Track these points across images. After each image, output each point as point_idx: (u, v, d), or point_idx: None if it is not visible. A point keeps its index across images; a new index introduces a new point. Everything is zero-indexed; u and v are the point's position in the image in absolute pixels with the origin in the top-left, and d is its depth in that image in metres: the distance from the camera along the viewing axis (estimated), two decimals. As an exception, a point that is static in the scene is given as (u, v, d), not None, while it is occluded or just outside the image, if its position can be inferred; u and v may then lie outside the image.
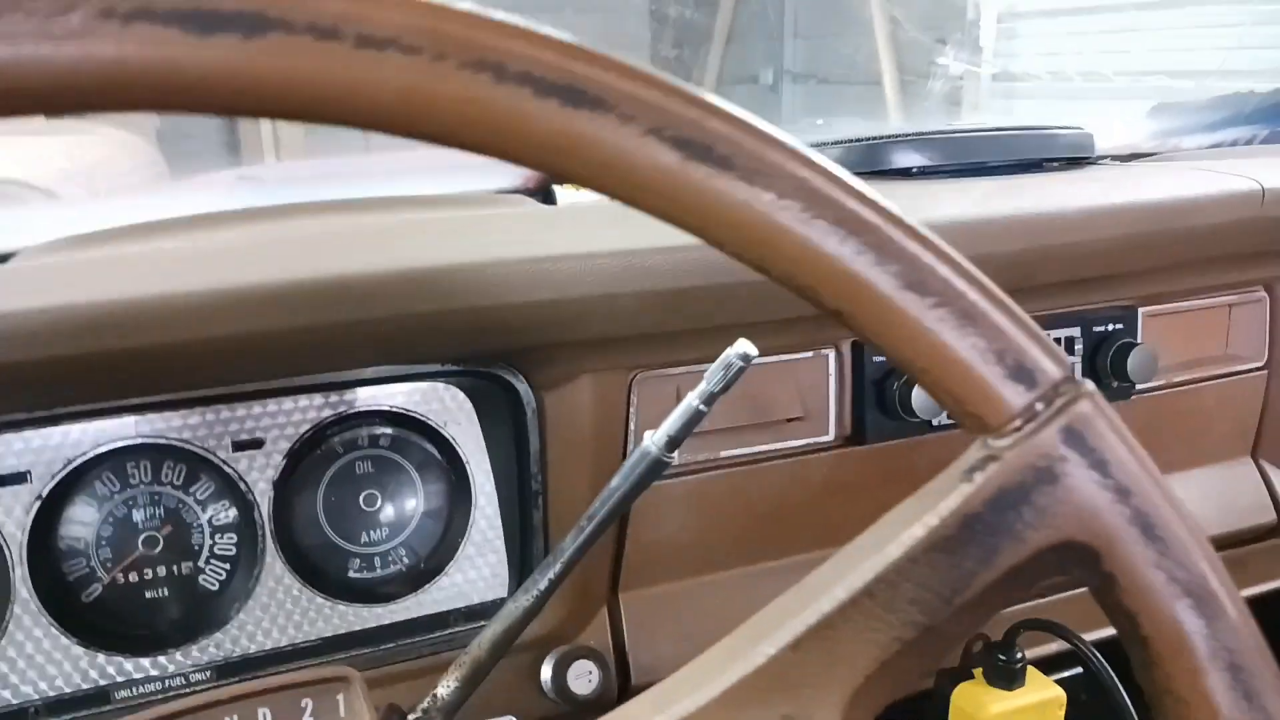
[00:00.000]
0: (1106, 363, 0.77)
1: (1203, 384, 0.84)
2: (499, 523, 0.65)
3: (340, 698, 0.41)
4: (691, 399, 0.42)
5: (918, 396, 0.69)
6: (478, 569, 0.65)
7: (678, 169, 0.24)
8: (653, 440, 0.43)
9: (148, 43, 0.20)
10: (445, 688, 0.46)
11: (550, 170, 0.24)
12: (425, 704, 0.46)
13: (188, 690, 0.59)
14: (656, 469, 0.43)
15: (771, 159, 0.24)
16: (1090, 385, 0.26)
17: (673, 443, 0.43)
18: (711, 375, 0.42)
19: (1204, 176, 0.77)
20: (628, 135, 0.23)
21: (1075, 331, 0.78)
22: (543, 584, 0.44)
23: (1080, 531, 0.26)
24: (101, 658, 0.57)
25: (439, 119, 0.22)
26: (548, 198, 0.81)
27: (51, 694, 0.56)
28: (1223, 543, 0.87)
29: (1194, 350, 0.84)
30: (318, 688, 0.41)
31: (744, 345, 0.42)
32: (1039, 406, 0.26)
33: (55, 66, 0.20)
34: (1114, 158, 0.92)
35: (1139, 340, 0.79)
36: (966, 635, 0.27)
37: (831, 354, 0.71)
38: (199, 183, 1.16)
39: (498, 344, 0.57)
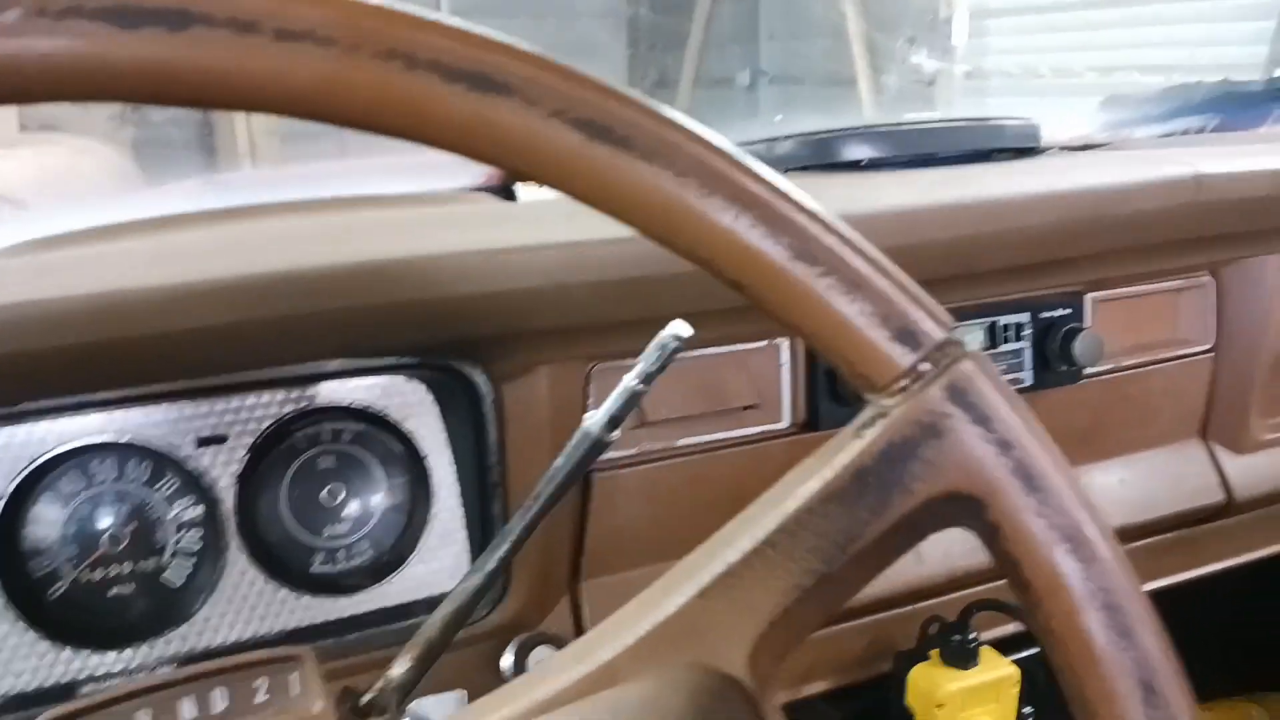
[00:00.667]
0: (1055, 347, 0.79)
1: (1150, 367, 0.86)
2: (460, 513, 0.67)
3: (293, 677, 0.43)
4: (629, 379, 0.44)
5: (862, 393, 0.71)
6: (440, 559, 0.66)
7: (581, 149, 0.25)
8: (593, 420, 0.44)
9: (78, 37, 0.22)
10: (399, 668, 0.47)
11: (462, 151, 0.26)
12: (379, 685, 0.47)
13: (152, 683, 0.60)
14: (598, 448, 0.45)
15: (669, 139, 0.26)
16: (973, 345, 0.28)
17: (613, 422, 0.44)
18: (648, 355, 0.43)
19: (1143, 164, 0.79)
20: (533, 118, 0.25)
21: (1024, 318, 0.80)
22: (491, 563, 0.46)
23: (965, 483, 0.28)
24: (67, 652, 0.58)
25: (354, 105, 0.24)
26: (508, 195, 0.82)
27: (17, 689, 0.57)
28: (1174, 523, 0.89)
29: (1142, 335, 0.86)
30: (271, 667, 0.42)
31: (678, 325, 0.43)
32: (924, 366, 0.27)
33: None
34: (1065, 149, 0.94)
35: (1086, 325, 0.81)
36: (864, 583, 0.29)
37: (784, 343, 0.73)
38: (169, 190, 1.16)
39: (454, 335, 0.59)
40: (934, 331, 0.27)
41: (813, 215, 0.27)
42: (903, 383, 0.27)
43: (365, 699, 0.47)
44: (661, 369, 0.44)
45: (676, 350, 0.44)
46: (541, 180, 0.26)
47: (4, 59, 0.22)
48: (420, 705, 0.59)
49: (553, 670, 0.29)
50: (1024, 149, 0.86)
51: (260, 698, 0.43)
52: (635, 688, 0.28)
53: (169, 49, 0.22)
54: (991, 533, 0.28)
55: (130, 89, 0.23)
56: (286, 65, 0.23)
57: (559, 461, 0.46)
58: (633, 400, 0.44)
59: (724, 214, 0.26)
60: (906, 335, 0.27)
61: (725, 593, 0.28)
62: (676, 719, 0.27)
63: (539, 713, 0.28)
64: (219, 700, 0.42)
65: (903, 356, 0.27)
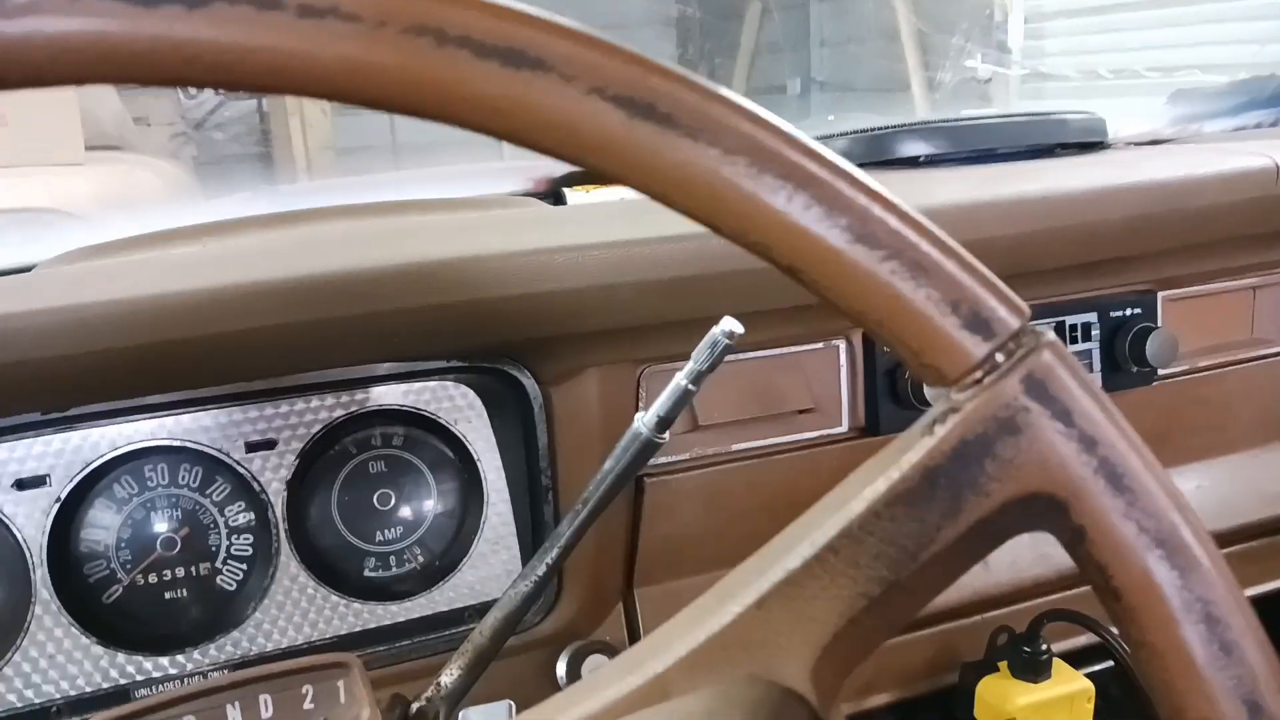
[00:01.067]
0: (1125, 348, 0.76)
1: (1228, 369, 0.82)
2: (511, 519, 0.66)
3: (340, 684, 0.42)
4: (680, 379, 0.42)
5: (930, 387, 0.68)
6: (491, 565, 0.65)
7: (621, 128, 0.24)
8: (643, 421, 0.43)
9: (94, 15, 0.21)
10: (449, 676, 0.46)
11: (495, 132, 0.24)
12: (429, 692, 0.46)
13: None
14: (648, 450, 0.43)
15: (715, 114, 0.24)
16: (1051, 335, 0.26)
17: (663, 423, 0.43)
18: (698, 355, 0.42)
19: (1217, 156, 0.75)
20: (569, 95, 0.23)
21: (1092, 317, 0.77)
22: (541, 569, 0.45)
23: (1045, 483, 0.25)
24: (121, 657, 0.58)
25: (382, 84, 0.23)
26: (558, 200, 0.81)
27: (73, 693, 0.57)
28: (1255, 531, 0.85)
29: (1218, 335, 0.82)
30: (318, 674, 0.42)
31: (729, 323, 0.42)
32: (998, 357, 0.25)
33: (7, 41, 0.21)
34: (1131, 144, 0.91)
35: (1159, 325, 0.78)
36: (935, 592, 0.27)
37: (842, 345, 0.71)
38: (225, 201, 1.18)
39: (501, 338, 0.58)
40: (1009, 319, 0.25)
41: (874, 194, 0.25)
42: (976, 375, 0.25)
43: (414, 707, 0.46)
44: (712, 368, 0.42)
45: (728, 349, 0.42)
46: (580, 161, 0.24)
47: (16, 41, 0.21)
48: (468, 715, 0.58)
49: (600, 683, 0.27)
50: (1089, 144, 0.83)
51: (307, 705, 0.42)
52: (689, 702, 0.26)
53: (188, 27, 0.22)
54: (1076, 537, 0.26)
55: (147, 70, 0.22)
56: (309, 43, 0.22)
57: (608, 464, 0.44)
58: (683, 400, 0.43)
59: (777, 194, 0.24)
60: (979, 323, 0.25)
61: (785, 603, 0.26)
62: (735, 734, 0.25)
63: (588, 726, 0.26)
64: (265, 707, 0.41)
65: (975, 346, 0.25)
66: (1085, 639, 0.82)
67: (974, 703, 0.75)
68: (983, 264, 0.26)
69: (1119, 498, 0.25)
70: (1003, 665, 0.74)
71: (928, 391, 0.69)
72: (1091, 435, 0.25)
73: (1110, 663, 0.79)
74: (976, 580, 0.77)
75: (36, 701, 0.57)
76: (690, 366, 0.42)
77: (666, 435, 0.44)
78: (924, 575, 0.26)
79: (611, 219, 0.64)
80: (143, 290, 0.50)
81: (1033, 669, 0.73)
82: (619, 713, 0.26)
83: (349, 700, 0.42)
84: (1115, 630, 0.75)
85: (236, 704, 0.41)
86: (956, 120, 0.82)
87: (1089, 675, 0.75)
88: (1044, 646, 0.74)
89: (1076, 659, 0.76)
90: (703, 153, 0.24)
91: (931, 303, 0.25)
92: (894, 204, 0.25)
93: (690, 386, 0.42)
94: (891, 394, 0.72)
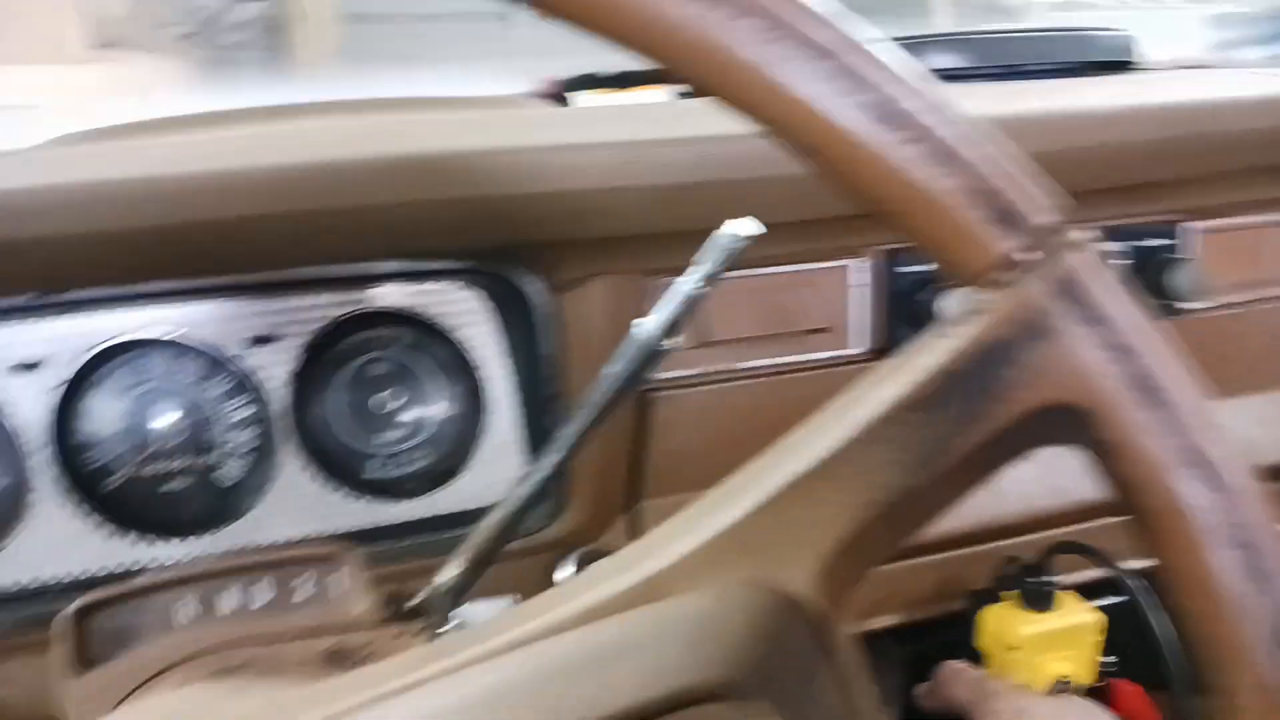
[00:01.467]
0: (1153, 279, 0.74)
1: (1261, 304, 0.80)
2: (514, 426, 0.65)
3: (336, 576, 0.41)
4: (688, 281, 0.41)
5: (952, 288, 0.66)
6: (493, 472, 0.65)
7: None
8: (647, 325, 0.41)
9: None
10: (449, 572, 0.45)
11: None
12: (429, 589, 0.46)
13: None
14: (652, 356, 0.42)
15: None
16: (1085, 233, 0.24)
17: (669, 328, 0.41)
18: (705, 256, 0.40)
19: (1253, 79, 0.72)
20: None
21: (1118, 246, 0.74)
22: (545, 470, 0.44)
23: (1071, 394, 0.24)
24: (120, 543, 0.58)
25: None
26: (561, 102, 0.79)
27: (71, 577, 0.57)
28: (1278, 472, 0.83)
29: (1251, 270, 0.80)
30: (316, 562, 0.41)
31: (741, 223, 0.40)
32: (1028, 255, 0.24)
33: None
34: (1162, 68, 0.87)
35: (1188, 256, 0.75)
36: (947, 503, 0.26)
37: (860, 264, 0.69)
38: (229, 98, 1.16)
39: (507, 239, 0.56)
40: (1040, 214, 0.24)
41: (899, 73, 0.23)
42: (1001, 273, 0.24)
43: (414, 602, 0.45)
44: (721, 271, 0.40)
45: (739, 251, 0.40)
46: (580, 23, 0.23)
47: None
48: (469, 610, 0.58)
49: (596, 579, 0.26)
50: (1118, 62, 0.79)
51: (304, 593, 0.42)
52: (686, 602, 0.25)
53: None
54: (1102, 452, 0.24)
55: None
56: None
57: (612, 368, 0.43)
58: (690, 304, 0.41)
59: (791, 65, 0.22)
60: (1007, 216, 0.23)
61: (791, 506, 0.25)
62: (732, 639, 0.24)
63: (578, 623, 0.25)
64: (262, 594, 0.41)
65: (1002, 241, 0.24)
66: (1096, 573, 0.81)
67: (978, 630, 0.74)
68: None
69: (1152, 411, 0.24)
70: (1010, 595, 0.74)
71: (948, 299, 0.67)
72: (1125, 344, 0.24)
73: (1121, 598, 0.78)
74: (987, 509, 0.76)
75: (35, 584, 0.57)
76: (701, 268, 0.40)
77: (671, 341, 0.42)
78: (936, 485, 0.25)
79: (620, 120, 0.61)
80: (145, 170, 0.48)
81: (1039, 600, 0.72)
82: (614, 609, 0.25)
83: (343, 591, 0.41)
84: (1127, 565, 0.74)
85: (234, 589, 0.40)
86: (978, 33, 0.77)
87: (1099, 609, 0.74)
88: (1052, 578, 0.73)
89: (1087, 593, 0.75)
90: (710, 9, 0.22)
91: (957, 192, 0.23)
92: (921, 84, 0.23)
93: (700, 289, 0.40)
94: (908, 316, 0.70)
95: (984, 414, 0.24)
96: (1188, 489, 0.24)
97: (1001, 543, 0.78)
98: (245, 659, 0.38)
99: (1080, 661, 0.72)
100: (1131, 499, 0.25)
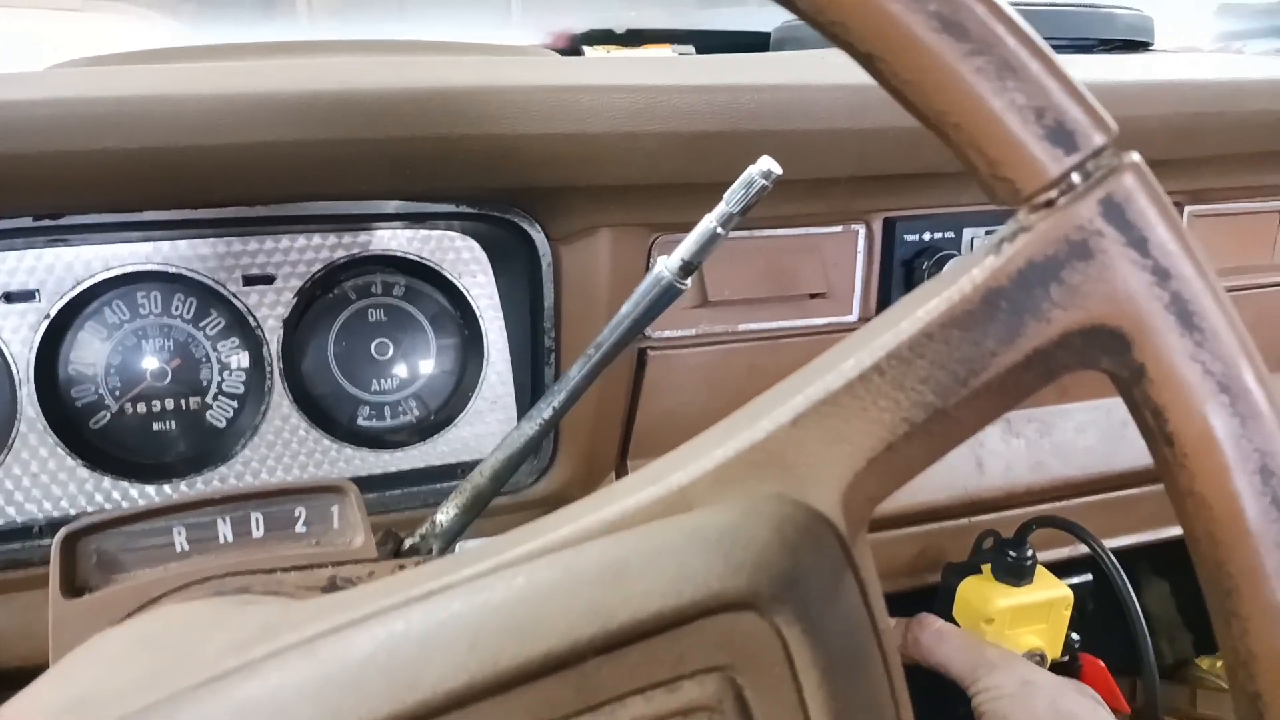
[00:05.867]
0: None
1: (1245, 292, 0.81)
2: (510, 378, 0.64)
3: (335, 509, 0.41)
4: (709, 221, 0.40)
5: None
6: (486, 423, 0.64)
7: None
8: (666, 265, 0.41)
9: None
10: (444, 514, 0.45)
11: None
12: (424, 529, 0.45)
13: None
14: (669, 295, 0.41)
15: None
16: (1136, 156, 0.24)
17: (687, 268, 0.41)
18: (731, 195, 0.40)
19: (1261, 64, 0.72)
20: None
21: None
22: (547, 413, 0.43)
23: (1111, 315, 0.24)
24: (106, 481, 0.57)
25: None
26: (575, 54, 0.78)
27: (56, 514, 0.56)
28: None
29: (1238, 255, 0.81)
30: (312, 496, 0.40)
31: (767, 162, 0.39)
32: (1077, 177, 0.24)
33: None
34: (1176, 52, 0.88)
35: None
36: (979, 425, 0.26)
37: (862, 230, 0.69)
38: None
39: (515, 182, 0.55)
40: (1094, 135, 0.24)
41: None
42: (1052, 194, 0.24)
43: (409, 542, 0.45)
44: (744, 211, 0.40)
45: (763, 190, 0.40)
46: None
47: None
48: (466, 546, 0.58)
49: (622, 491, 0.26)
50: (1137, 42, 0.79)
51: (299, 527, 0.41)
52: (711, 513, 0.25)
53: None
54: (1135, 376, 0.24)
55: None
56: None
57: (626, 308, 0.43)
58: (709, 245, 0.41)
59: None
60: (1063, 136, 0.23)
61: (821, 421, 0.25)
62: (757, 549, 0.24)
63: (605, 532, 0.25)
64: (257, 525, 0.40)
65: (1055, 161, 0.23)
66: (1070, 551, 0.82)
67: (954, 602, 0.75)
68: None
69: (1187, 336, 0.24)
70: (986, 568, 0.75)
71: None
72: (1166, 267, 0.24)
73: (1089, 576, 0.79)
74: (968, 482, 0.77)
75: (19, 520, 0.55)
76: (721, 209, 0.40)
77: (688, 282, 0.42)
78: (970, 404, 0.25)
79: (635, 68, 0.60)
80: (150, 90, 0.47)
81: (1015, 573, 0.73)
82: (638, 520, 0.25)
83: (343, 525, 0.41)
84: (1102, 542, 0.75)
85: (227, 519, 0.39)
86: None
87: (1071, 587, 0.75)
88: (1029, 552, 0.74)
89: (1060, 570, 0.76)
90: None
91: (1015, 109, 0.23)
92: None
93: (720, 230, 0.40)
94: (907, 285, 0.70)
95: (1025, 332, 0.24)
96: (1216, 414, 0.24)
97: (981, 517, 0.78)
98: (244, 584, 0.37)
99: (1051, 636, 0.73)
100: (1158, 423, 0.24)
